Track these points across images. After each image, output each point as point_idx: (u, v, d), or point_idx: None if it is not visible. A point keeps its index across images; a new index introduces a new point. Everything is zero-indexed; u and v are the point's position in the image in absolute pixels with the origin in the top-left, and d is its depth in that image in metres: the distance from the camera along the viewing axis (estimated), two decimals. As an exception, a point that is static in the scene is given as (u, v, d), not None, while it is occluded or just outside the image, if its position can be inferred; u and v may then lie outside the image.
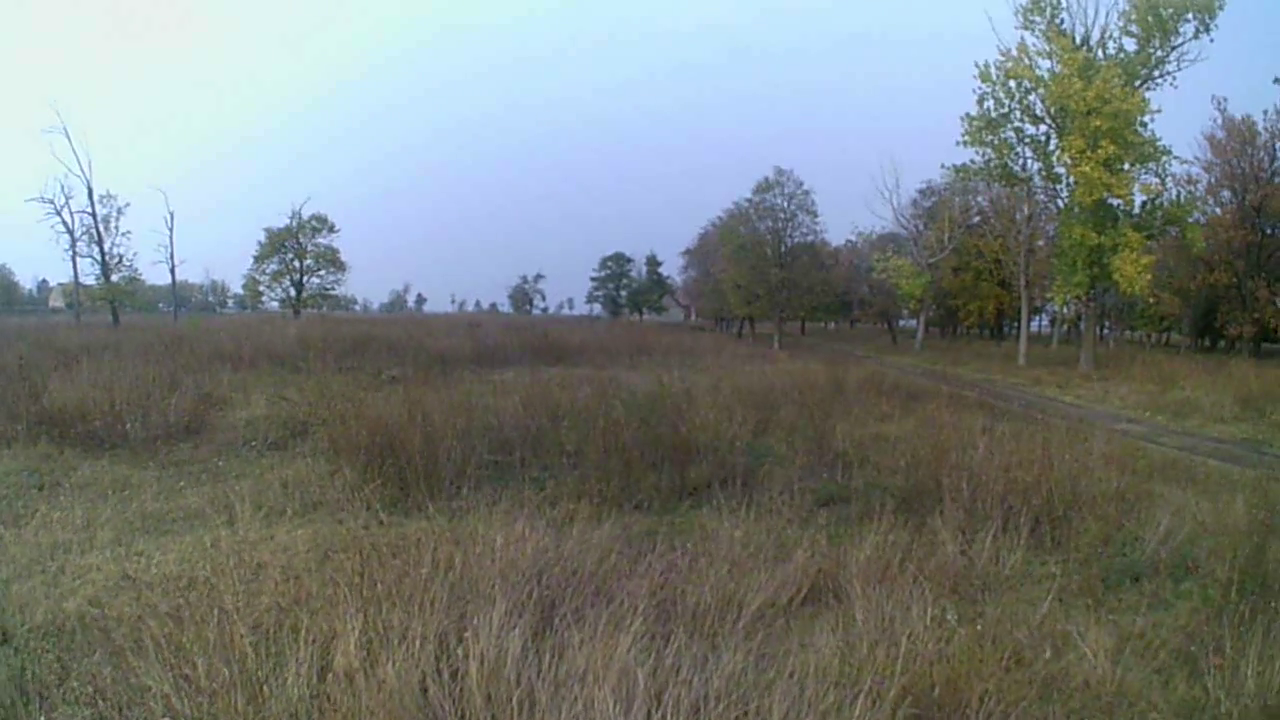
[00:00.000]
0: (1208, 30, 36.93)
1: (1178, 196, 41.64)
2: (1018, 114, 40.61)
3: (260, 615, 5.83)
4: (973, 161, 42.98)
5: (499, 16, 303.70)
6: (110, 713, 4.94)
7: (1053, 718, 5.40)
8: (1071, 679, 5.87)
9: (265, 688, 4.84)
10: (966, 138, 41.56)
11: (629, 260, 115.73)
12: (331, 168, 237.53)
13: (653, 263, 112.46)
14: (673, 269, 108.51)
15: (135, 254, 60.39)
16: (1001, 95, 40.25)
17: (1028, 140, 41.30)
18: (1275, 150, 48.06)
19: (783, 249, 63.43)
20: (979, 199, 59.39)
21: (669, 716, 4.55)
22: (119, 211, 57.36)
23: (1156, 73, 38.33)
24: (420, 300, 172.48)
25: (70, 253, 56.38)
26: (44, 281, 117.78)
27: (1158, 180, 38.86)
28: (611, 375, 20.31)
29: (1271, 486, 12.49)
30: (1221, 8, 36.63)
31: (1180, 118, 69.36)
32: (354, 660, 4.99)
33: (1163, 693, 5.88)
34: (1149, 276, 36.30)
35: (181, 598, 6.20)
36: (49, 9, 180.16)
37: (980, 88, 40.62)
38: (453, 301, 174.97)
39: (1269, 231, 48.87)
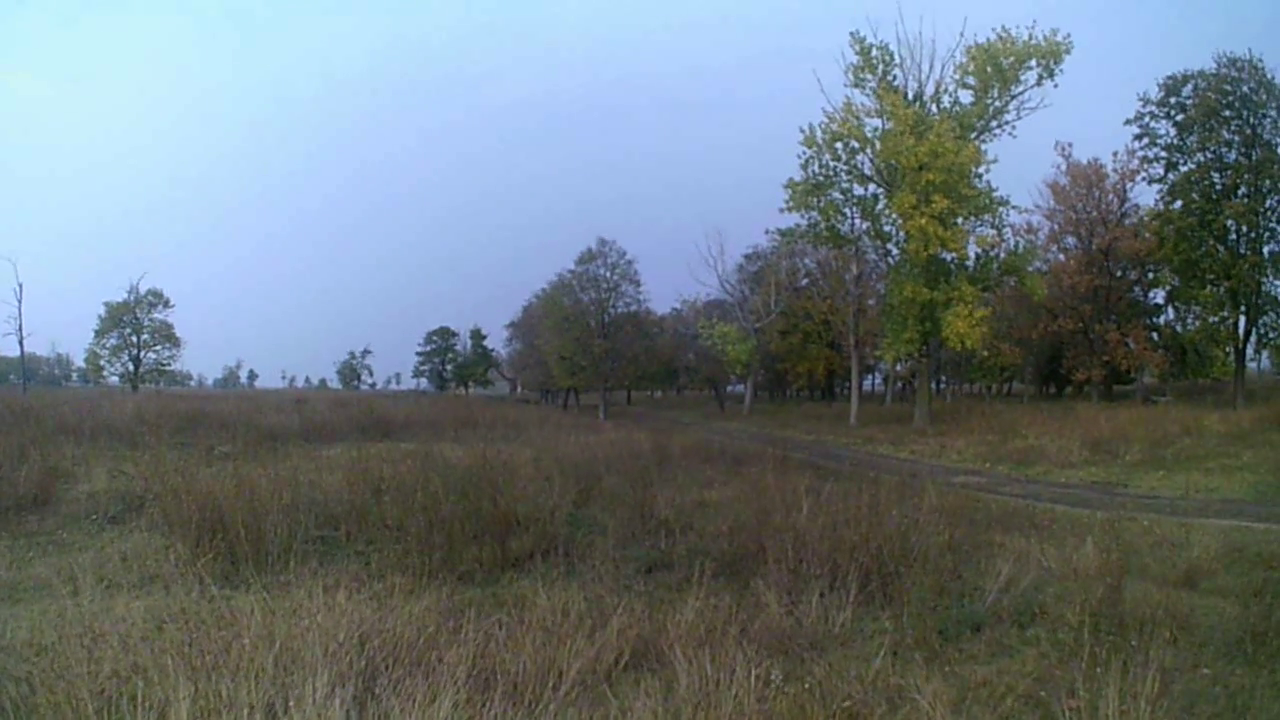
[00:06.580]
0: (1051, 76, 40.20)
1: (1016, 246, 44.93)
2: (844, 175, 42.78)
3: (103, 682, 6.35)
4: (798, 225, 45.20)
5: (331, 93, 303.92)
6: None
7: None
8: (908, 733, 5.86)
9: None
10: (790, 203, 43.39)
11: (454, 334, 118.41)
12: (171, 241, 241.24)
13: (477, 336, 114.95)
14: (498, 342, 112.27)
15: (-15, 326, 66.45)
16: (827, 158, 42.32)
17: (855, 201, 43.51)
18: (1125, 192, 52.31)
19: (606, 319, 66.13)
20: (806, 261, 62.77)
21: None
22: (-32, 283, 64.02)
23: (994, 123, 41.46)
24: (252, 376, 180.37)
25: (-73, 325, 61.38)
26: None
27: (994, 231, 41.69)
28: (436, 449, 20.92)
29: (1125, 526, 13.16)
30: (1068, 52, 39.84)
31: (1022, 166, 74.70)
32: (187, 728, 5.40)
33: (1011, 739, 5.99)
34: (982, 330, 38.49)
35: (33, 664, 6.86)
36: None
37: (804, 152, 42.63)
38: (283, 378, 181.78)
39: (1119, 274, 53.03)
